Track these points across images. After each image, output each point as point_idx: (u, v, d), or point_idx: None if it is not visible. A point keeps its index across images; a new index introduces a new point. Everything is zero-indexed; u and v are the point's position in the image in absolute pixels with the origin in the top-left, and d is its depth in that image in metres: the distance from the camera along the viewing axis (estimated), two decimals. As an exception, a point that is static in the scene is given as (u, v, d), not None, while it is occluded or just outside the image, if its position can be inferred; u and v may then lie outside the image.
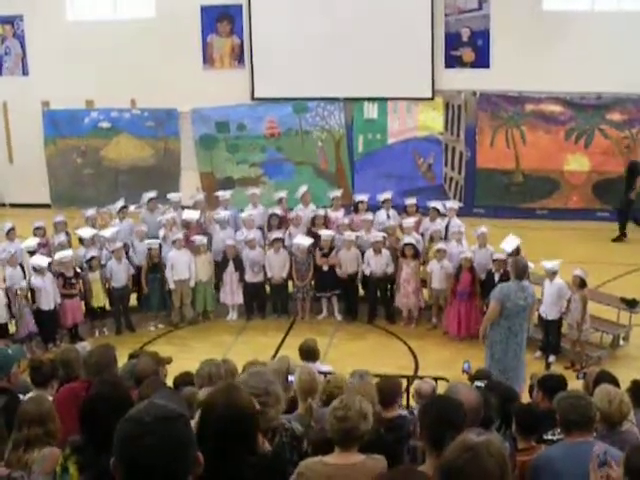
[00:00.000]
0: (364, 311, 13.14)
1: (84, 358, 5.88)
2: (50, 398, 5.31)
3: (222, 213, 13.67)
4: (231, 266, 13.04)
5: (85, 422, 3.76)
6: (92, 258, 12.41)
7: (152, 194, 14.21)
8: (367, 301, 13.22)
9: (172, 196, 14.55)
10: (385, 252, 12.73)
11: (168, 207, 14.28)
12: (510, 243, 12.15)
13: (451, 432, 3.28)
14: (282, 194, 14.54)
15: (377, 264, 12.72)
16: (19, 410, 4.67)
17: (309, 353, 8.03)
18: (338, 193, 14.65)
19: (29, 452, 4.47)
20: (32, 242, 12.65)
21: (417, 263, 12.70)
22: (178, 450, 2.24)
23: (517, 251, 11.93)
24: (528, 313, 9.67)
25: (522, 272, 9.59)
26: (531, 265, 10.29)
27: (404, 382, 8.30)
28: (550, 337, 11.29)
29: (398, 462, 4.48)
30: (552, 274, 11.14)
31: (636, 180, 16.70)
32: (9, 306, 11.56)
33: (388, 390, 5.65)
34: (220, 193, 14.66)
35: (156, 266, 12.85)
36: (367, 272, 12.79)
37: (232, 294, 13.20)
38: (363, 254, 12.90)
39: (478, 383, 6.66)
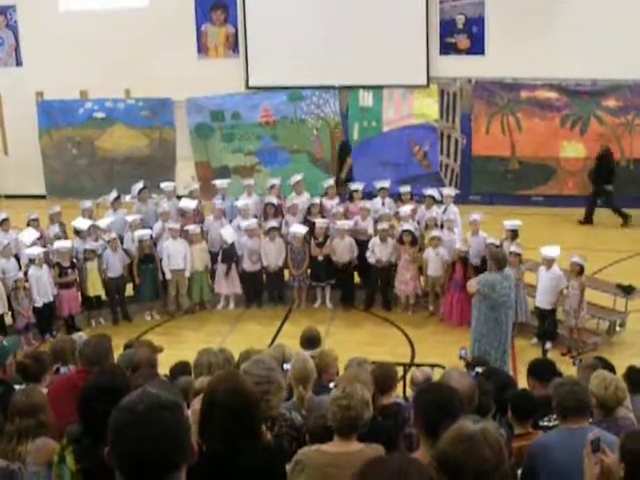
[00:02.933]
0: (360, 299, 13.14)
1: (80, 348, 5.87)
2: (45, 390, 5.30)
3: (217, 203, 13.62)
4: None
5: (83, 412, 3.76)
6: (87, 249, 12.36)
7: (140, 185, 13.99)
8: (365, 289, 13.20)
9: (165, 185, 14.35)
10: (391, 241, 12.70)
11: (162, 197, 14.21)
12: (511, 222, 12.24)
13: (446, 419, 3.27)
14: (275, 181, 14.46)
15: (383, 252, 12.69)
16: (10, 402, 4.67)
17: (309, 341, 7.96)
18: (331, 181, 14.60)
19: (22, 444, 4.47)
20: (32, 235, 12.44)
21: (415, 250, 12.67)
22: (171, 439, 2.23)
23: (515, 234, 12.03)
24: (513, 299, 9.72)
25: (503, 263, 9.63)
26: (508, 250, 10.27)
27: (401, 370, 8.33)
28: (546, 324, 11.28)
29: (394, 449, 4.47)
30: (549, 261, 11.11)
31: (346, 160, 16.67)
32: (8, 297, 11.54)
33: (383, 377, 5.63)
34: (217, 182, 14.62)
35: (148, 257, 12.80)
36: (372, 260, 12.75)
37: (228, 285, 13.17)
38: (357, 242, 12.91)
39: (477, 369, 6.67)
